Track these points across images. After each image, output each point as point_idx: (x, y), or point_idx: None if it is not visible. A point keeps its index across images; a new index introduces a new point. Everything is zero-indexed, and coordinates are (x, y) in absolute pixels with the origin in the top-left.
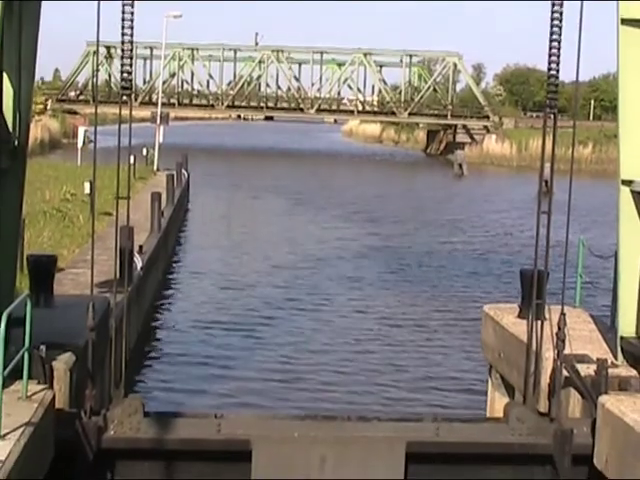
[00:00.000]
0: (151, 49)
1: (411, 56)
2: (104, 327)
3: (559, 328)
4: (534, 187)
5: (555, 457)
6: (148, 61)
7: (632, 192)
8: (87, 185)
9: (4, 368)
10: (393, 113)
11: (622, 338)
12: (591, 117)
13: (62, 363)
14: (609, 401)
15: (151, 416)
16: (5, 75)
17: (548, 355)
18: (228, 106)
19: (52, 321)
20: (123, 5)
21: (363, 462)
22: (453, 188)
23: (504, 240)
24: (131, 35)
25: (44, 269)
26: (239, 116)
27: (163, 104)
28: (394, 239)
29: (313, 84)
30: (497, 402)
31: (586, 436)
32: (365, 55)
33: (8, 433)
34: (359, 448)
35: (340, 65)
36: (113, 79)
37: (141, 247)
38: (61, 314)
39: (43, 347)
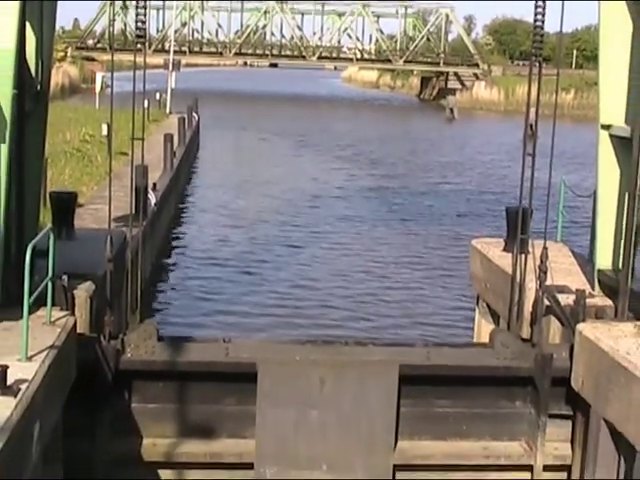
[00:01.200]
0: (164, 0)
1: (406, 7)
2: (121, 258)
3: (541, 261)
4: (520, 130)
5: (536, 379)
6: (161, 11)
7: (610, 136)
8: (104, 127)
9: (29, 296)
10: (389, 61)
11: (599, 271)
12: (573, 66)
13: (83, 291)
14: (586, 328)
15: (164, 340)
16: (28, 25)
17: (531, 286)
18: (235, 54)
19: (73, 253)
20: None
21: (359, 383)
22: (445, 131)
23: (492, 180)
24: None
25: (65, 205)
26: (245, 63)
27: (175, 52)
28: (390, 180)
29: (315, 33)
30: (483, 329)
31: (564, 360)
32: (363, 7)
33: (34, 355)
34: (356, 370)
35: (340, 15)
36: (128, 28)
37: (155, 185)
38: (81, 246)
39: (65, 277)
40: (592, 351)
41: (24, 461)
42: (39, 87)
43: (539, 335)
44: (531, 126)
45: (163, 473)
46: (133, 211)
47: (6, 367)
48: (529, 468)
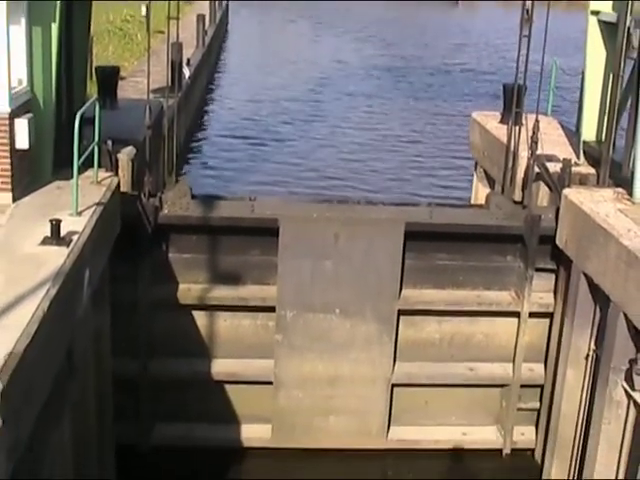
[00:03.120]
0: None
1: None
2: (159, 126)
3: (533, 132)
4: (518, 15)
5: (525, 237)
6: None
7: (599, 21)
8: (143, 8)
9: (79, 158)
10: None
11: (584, 142)
12: None
13: (125, 154)
14: (571, 193)
15: (197, 198)
16: None
17: (523, 154)
18: None
19: (116, 120)
20: None
21: (369, 238)
22: (451, 16)
23: (492, 61)
24: None
25: (109, 78)
26: None
27: None
28: (400, 60)
29: None
30: (480, 192)
31: (551, 221)
32: None
33: (83, 210)
34: (366, 227)
35: None
36: None
37: (189, 60)
38: (124, 115)
39: (110, 141)
40: (576, 213)
41: (77, 302)
42: None
43: (529, 198)
44: (527, 11)
45: (196, 314)
46: (169, 83)
47: (59, 221)
48: (516, 314)
